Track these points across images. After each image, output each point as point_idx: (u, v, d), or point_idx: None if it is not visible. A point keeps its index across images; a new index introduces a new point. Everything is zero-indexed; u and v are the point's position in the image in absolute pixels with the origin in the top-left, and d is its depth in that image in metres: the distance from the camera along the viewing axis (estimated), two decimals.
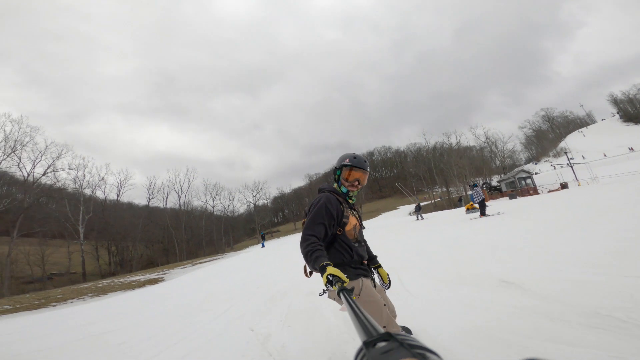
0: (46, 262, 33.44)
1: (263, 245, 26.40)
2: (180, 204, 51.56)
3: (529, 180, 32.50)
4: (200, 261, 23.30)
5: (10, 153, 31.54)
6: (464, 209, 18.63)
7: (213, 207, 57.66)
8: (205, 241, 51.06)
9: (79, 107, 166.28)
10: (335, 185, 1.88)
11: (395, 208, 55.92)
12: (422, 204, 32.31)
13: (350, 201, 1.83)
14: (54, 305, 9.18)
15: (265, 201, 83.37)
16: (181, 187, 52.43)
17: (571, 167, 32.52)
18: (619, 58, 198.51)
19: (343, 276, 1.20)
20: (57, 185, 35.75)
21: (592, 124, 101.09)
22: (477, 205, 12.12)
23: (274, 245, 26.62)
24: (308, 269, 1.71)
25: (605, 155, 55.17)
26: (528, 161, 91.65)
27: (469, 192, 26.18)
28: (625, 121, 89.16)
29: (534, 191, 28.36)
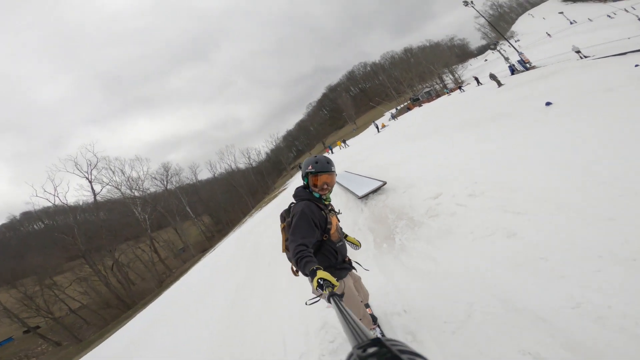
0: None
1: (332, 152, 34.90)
2: (233, 170, 75.30)
3: (431, 92, 50.27)
4: (275, 194, 41.46)
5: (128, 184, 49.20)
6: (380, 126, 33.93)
7: (252, 165, 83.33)
8: (259, 186, 74.58)
9: (52, 135, 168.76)
10: (307, 190, 1.89)
11: (382, 115, 70.61)
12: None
13: (325, 202, 1.88)
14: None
15: (279, 143, 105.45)
16: (229, 159, 75.16)
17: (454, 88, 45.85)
18: None
19: (333, 280, 1.20)
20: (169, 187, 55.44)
21: (541, 3, 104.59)
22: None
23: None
24: (294, 268, 1.82)
25: (549, 34, 59.32)
26: (485, 49, 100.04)
27: (374, 122, 42.30)
28: (564, 0, 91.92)
29: (437, 95, 44.22)
